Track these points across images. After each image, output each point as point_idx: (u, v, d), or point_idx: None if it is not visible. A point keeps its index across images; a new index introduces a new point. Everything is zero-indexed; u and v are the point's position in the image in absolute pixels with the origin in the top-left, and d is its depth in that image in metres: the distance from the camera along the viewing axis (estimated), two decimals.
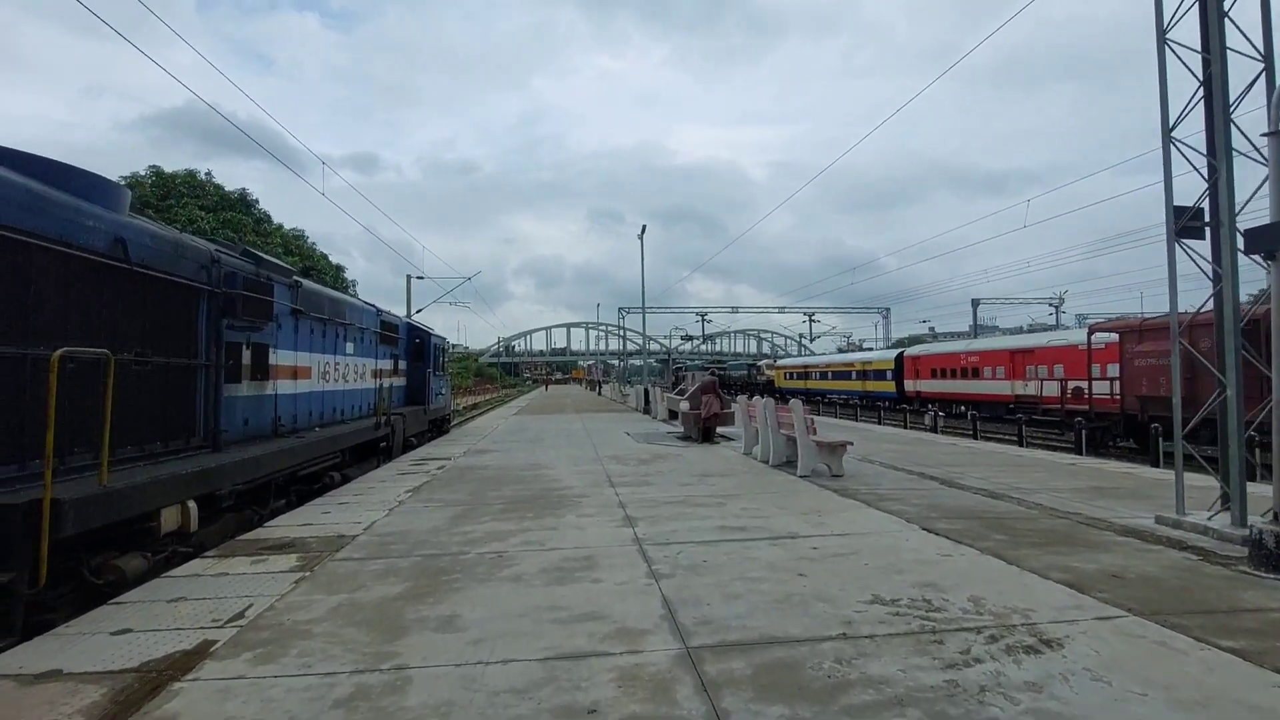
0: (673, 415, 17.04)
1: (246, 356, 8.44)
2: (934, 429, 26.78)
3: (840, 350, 72.35)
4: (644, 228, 24.84)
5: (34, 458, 4.58)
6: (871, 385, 45.28)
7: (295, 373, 9.99)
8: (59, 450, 4.95)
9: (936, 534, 6.15)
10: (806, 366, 58.41)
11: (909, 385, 40.93)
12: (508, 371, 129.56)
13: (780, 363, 67.73)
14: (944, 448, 14.36)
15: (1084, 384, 23.53)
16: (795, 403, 9.69)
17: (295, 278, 10.12)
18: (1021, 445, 19.06)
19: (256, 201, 27.37)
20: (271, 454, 7.94)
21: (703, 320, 67.91)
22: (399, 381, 16.27)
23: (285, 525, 7.09)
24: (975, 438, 22.48)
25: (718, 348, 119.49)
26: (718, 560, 5.39)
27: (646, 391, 25.87)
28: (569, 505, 7.81)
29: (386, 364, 15.07)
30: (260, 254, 9.21)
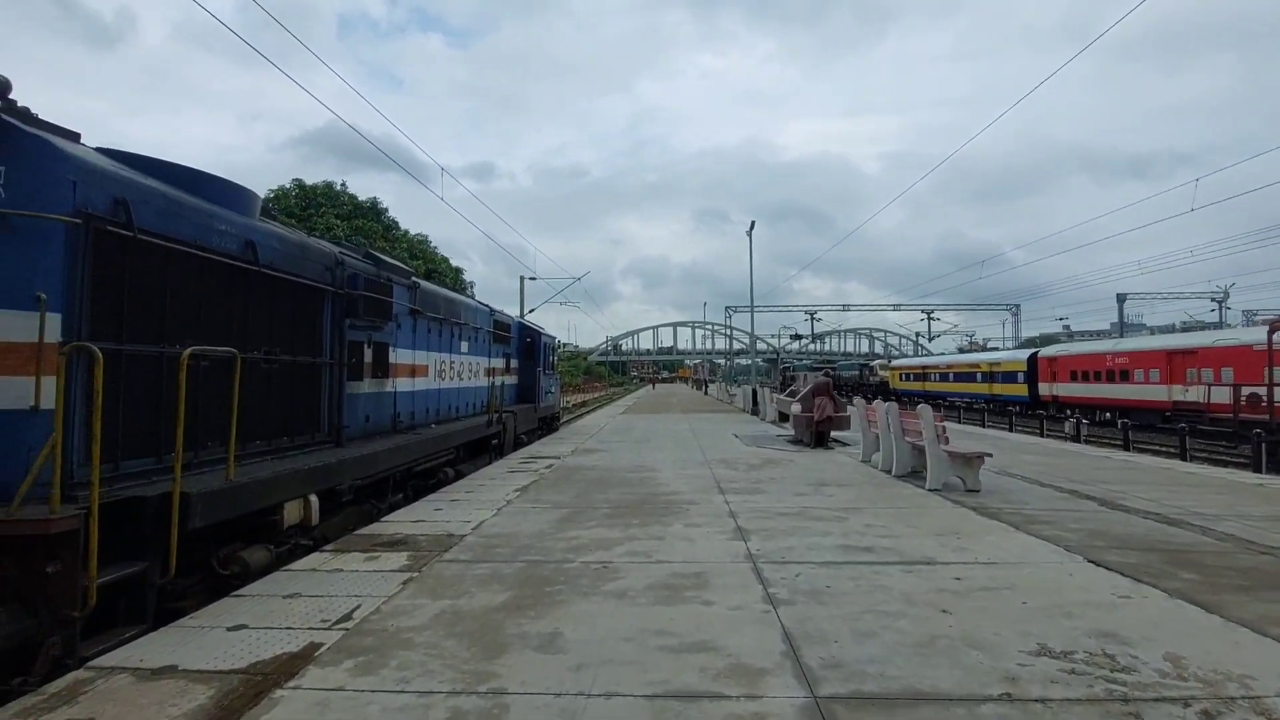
0: (783, 418, 16.31)
1: (368, 355, 8.73)
2: (1077, 438, 24.19)
3: (961, 350, 67.57)
4: (753, 224, 24.15)
5: (169, 452, 4.78)
6: (1000, 388, 41.80)
7: (413, 371, 10.28)
8: (192, 445, 5.19)
9: (1107, 568, 5.24)
10: (925, 367, 54.93)
11: (1044, 389, 37.43)
12: (615, 370, 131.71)
13: (895, 363, 64.21)
14: (1094, 460, 12.74)
15: (1262, 390, 20.34)
16: (925, 408, 8.80)
17: (414, 279, 10.41)
18: (1184, 459, 16.76)
19: (386, 210, 29.22)
20: (389, 450, 8.15)
21: (812, 319, 65.61)
22: (510, 380, 16.61)
23: (399, 521, 7.20)
24: (1127, 449, 20.09)
25: (827, 347, 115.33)
26: (843, 586, 4.83)
27: (755, 392, 25.10)
28: (677, 512, 7.45)
29: (499, 362, 15.39)
30: (381, 256, 9.52)
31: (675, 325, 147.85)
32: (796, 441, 15.35)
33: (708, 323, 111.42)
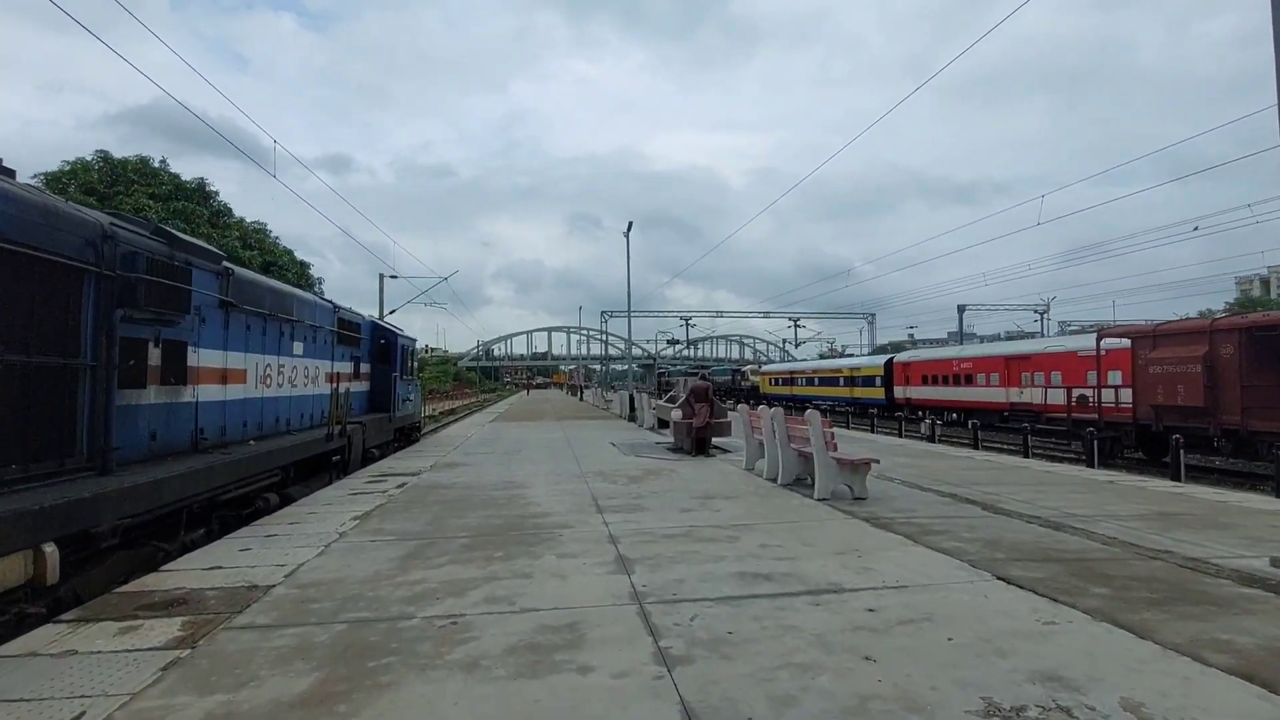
0: (662, 424, 15.69)
1: (154, 356, 6.92)
2: (931, 438, 25.74)
3: (821, 356, 71.74)
4: (630, 224, 23.52)
5: None
6: (860, 392, 44.32)
7: (225, 376, 8.46)
8: None
9: (1019, 586, 4.83)
10: (792, 372, 57.39)
11: (899, 392, 40.03)
12: (487, 376, 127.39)
13: (765, 368, 66.73)
14: (959, 461, 13.15)
15: (1090, 392, 22.60)
16: (813, 414, 8.36)
17: (226, 265, 8.59)
18: (1026, 455, 18.05)
19: (216, 193, 25.35)
20: (180, 476, 6.42)
21: (686, 324, 66.72)
22: (360, 386, 14.71)
23: (186, 569, 5.58)
24: (976, 447, 21.44)
25: (700, 353, 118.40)
26: (747, 630, 4.01)
27: (631, 398, 24.47)
28: (548, 540, 6.38)
29: (345, 367, 13.51)
30: (178, 234, 7.68)
31: (550, 330, 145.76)
32: (677, 449, 14.75)
33: (583, 328, 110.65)
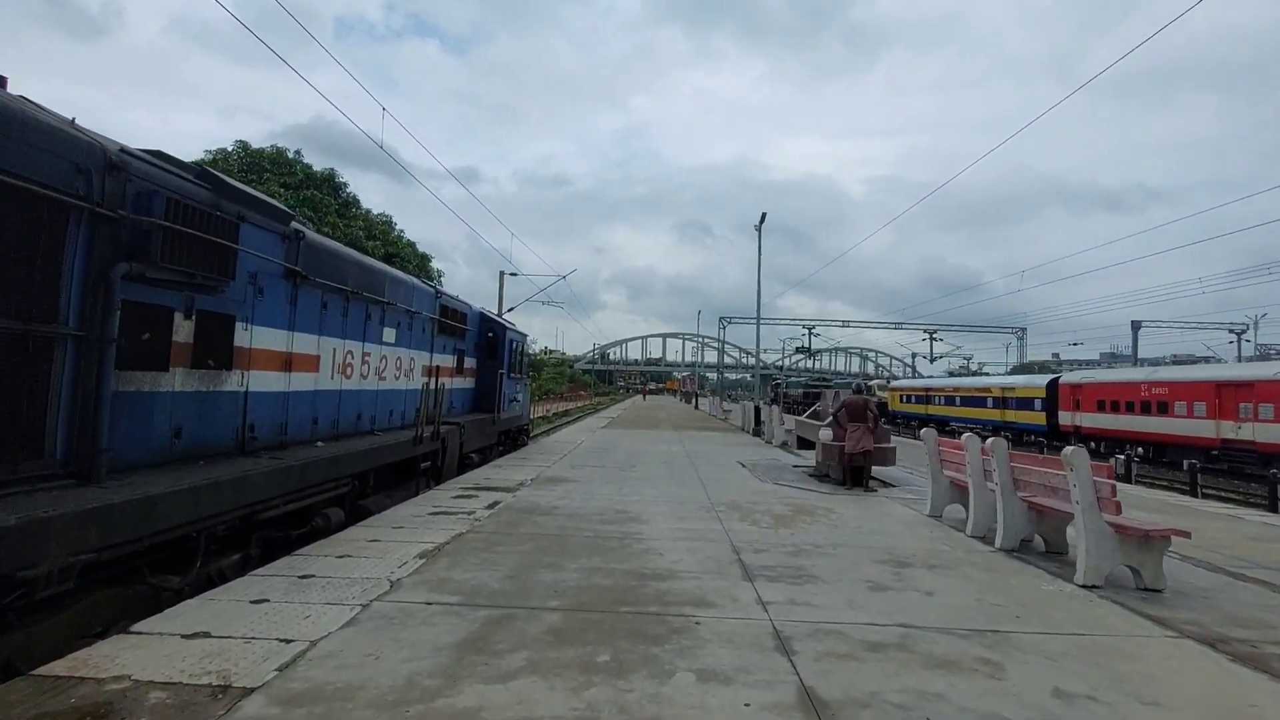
0: (803, 444, 13.09)
1: (184, 330, 5.39)
2: (1128, 477, 21.15)
3: (950, 374, 64.85)
4: (763, 216, 20.96)
5: None
6: (1014, 415, 38.85)
7: (289, 362, 6.94)
8: None
9: None
10: (929, 390, 51.98)
11: (1065, 418, 34.49)
12: (602, 379, 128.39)
13: (895, 384, 61.31)
14: (1228, 521, 9.59)
15: None
16: (1078, 453, 5.55)
17: (295, 225, 7.09)
18: (1275, 510, 13.79)
19: (345, 184, 25.66)
20: (185, 491, 4.77)
21: (809, 333, 62.57)
22: (463, 383, 13.25)
23: (155, 634, 3.84)
24: (1195, 494, 17.07)
25: (820, 365, 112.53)
26: None
27: (757, 410, 21.86)
28: (679, 632, 4.13)
29: (446, 360, 12.04)
30: (228, 179, 6.19)
31: (665, 336, 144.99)
32: (821, 476, 12.10)
33: (699, 335, 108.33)
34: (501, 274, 32.66)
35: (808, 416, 13.54)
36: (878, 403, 55.48)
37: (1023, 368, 73.69)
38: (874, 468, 10.75)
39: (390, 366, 9.56)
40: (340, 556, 5.64)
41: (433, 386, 10.14)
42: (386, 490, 9.03)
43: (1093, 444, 32.28)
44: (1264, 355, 51.79)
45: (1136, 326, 52.27)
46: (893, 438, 12.60)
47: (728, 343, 76.01)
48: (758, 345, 22.92)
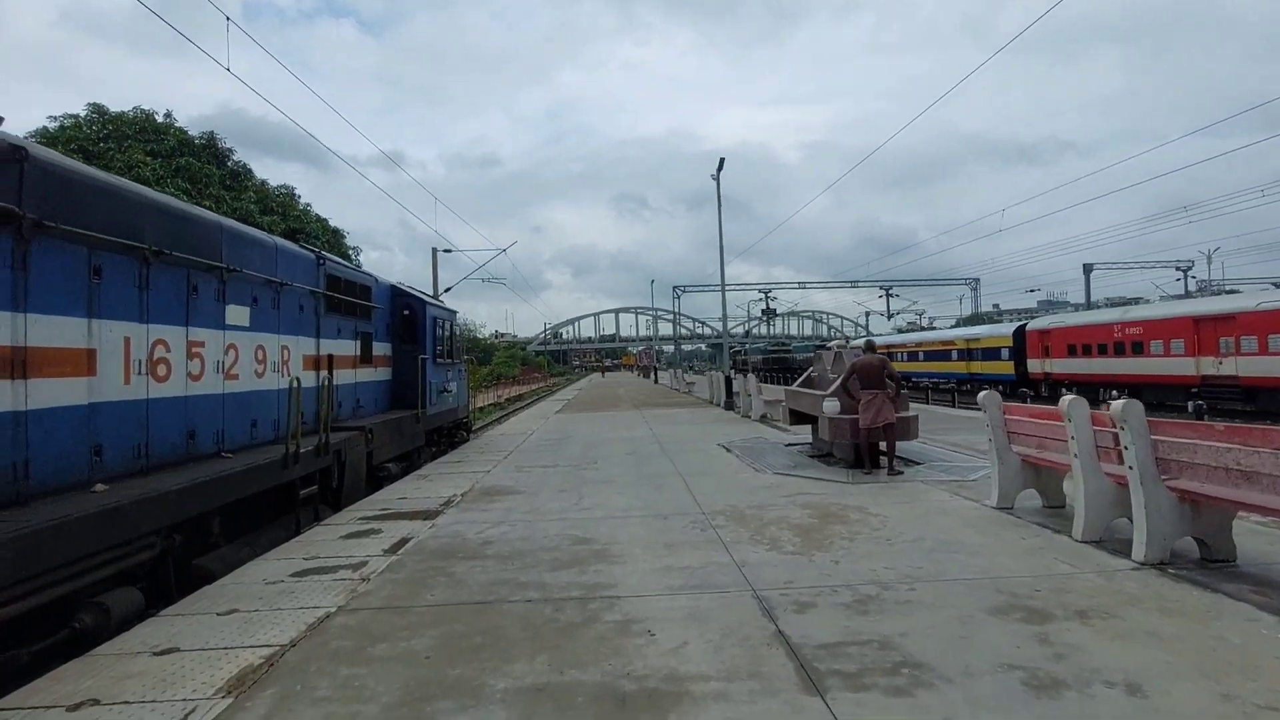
0: (796, 418, 10.87)
1: None
2: None
3: (899, 330, 64.36)
4: (721, 162, 18.53)
5: None
6: (980, 366, 37.89)
7: (16, 363, 4.23)
8: None
9: None
10: (891, 346, 50.97)
11: (1035, 365, 33.57)
12: (556, 360, 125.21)
13: (856, 343, 60.40)
14: None
15: None
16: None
17: (28, 151, 4.33)
18: None
19: (231, 151, 21.89)
20: None
21: (766, 298, 60.91)
22: (374, 374, 10.54)
23: None
24: None
25: (776, 329, 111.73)
26: None
27: (728, 380, 19.65)
28: None
29: (344, 346, 9.33)
30: None
31: (617, 311, 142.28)
32: (822, 456, 9.94)
33: (653, 308, 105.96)
34: (434, 250, 29.46)
35: (800, 385, 11.32)
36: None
37: (972, 319, 73.93)
38: (896, 441, 8.56)
39: (243, 359, 6.85)
40: (71, 709, 3.08)
41: (316, 382, 7.48)
42: (249, 535, 6.41)
43: (1063, 390, 31.46)
44: (1212, 291, 52.38)
45: (1088, 269, 52.19)
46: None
47: (683, 314, 73.97)
48: (724, 305, 20.67)
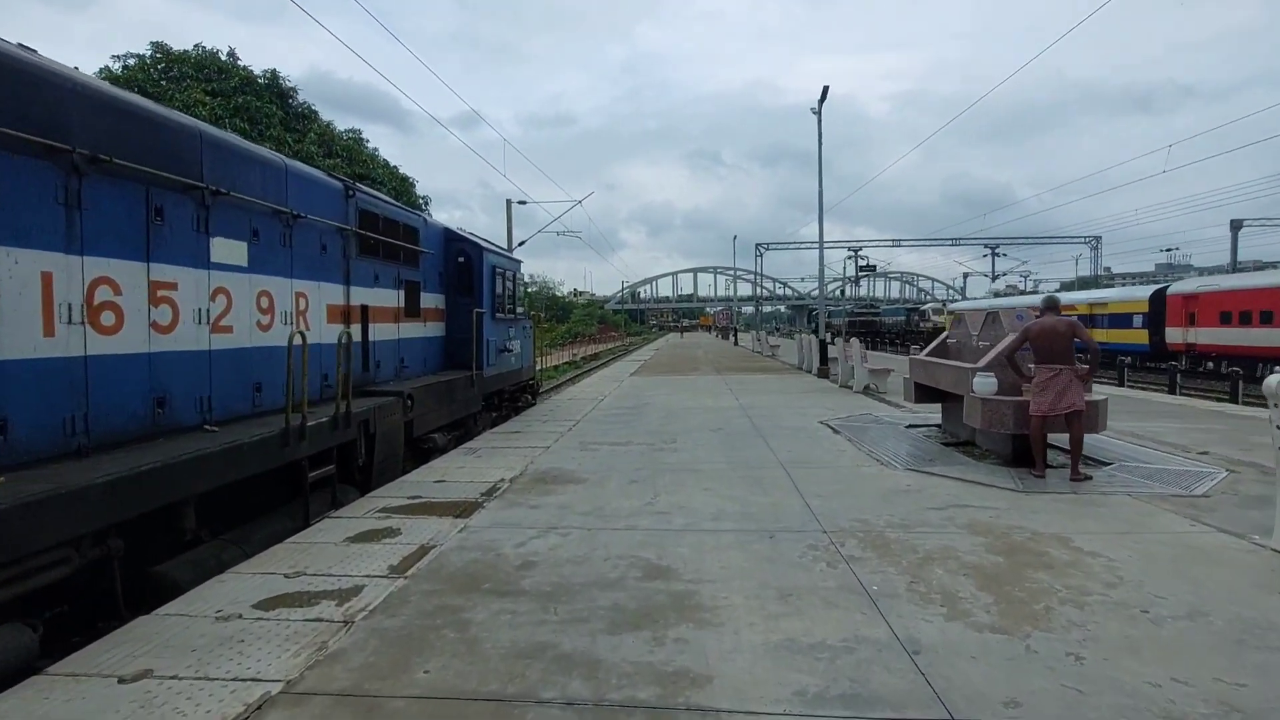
0: (928, 395, 8.73)
1: None
2: None
3: (997, 295, 58.57)
4: (825, 90, 15.95)
5: None
6: (1108, 335, 33.55)
7: None
8: None
9: None
10: (979, 311, 46.48)
11: (1174, 335, 29.25)
12: (634, 318, 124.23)
13: (955, 306, 55.70)
14: None
15: None
16: None
17: None
18: None
19: (295, 90, 21.05)
20: None
21: (855, 256, 56.84)
22: (421, 329, 9.16)
23: None
24: None
25: (863, 291, 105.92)
26: None
27: (823, 344, 17.41)
28: None
29: (381, 296, 7.93)
30: None
31: (695, 271, 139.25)
32: (960, 444, 7.85)
33: (732, 268, 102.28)
34: (509, 202, 28.16)
35: (929, 353, 9.14)
36: (932, 328, 50.11)
37: (1087, 283, 66.87)
38: (1081, 435, 6.34)
39: (238, 307, 5.46)
40: None
41: (343, 341, 6.06)
42: (244, 527, 5.10)
43: (1209, 363, 27.22)
44: None
45: (1237, 226, 45.46)
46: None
47: (765, 275, 70.65)
48: (821, 259, 18.24)
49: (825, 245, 18.50)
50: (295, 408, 5.34)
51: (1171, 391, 17.73)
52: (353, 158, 21.33)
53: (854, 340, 14.62)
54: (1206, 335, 27.57)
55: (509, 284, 11.46)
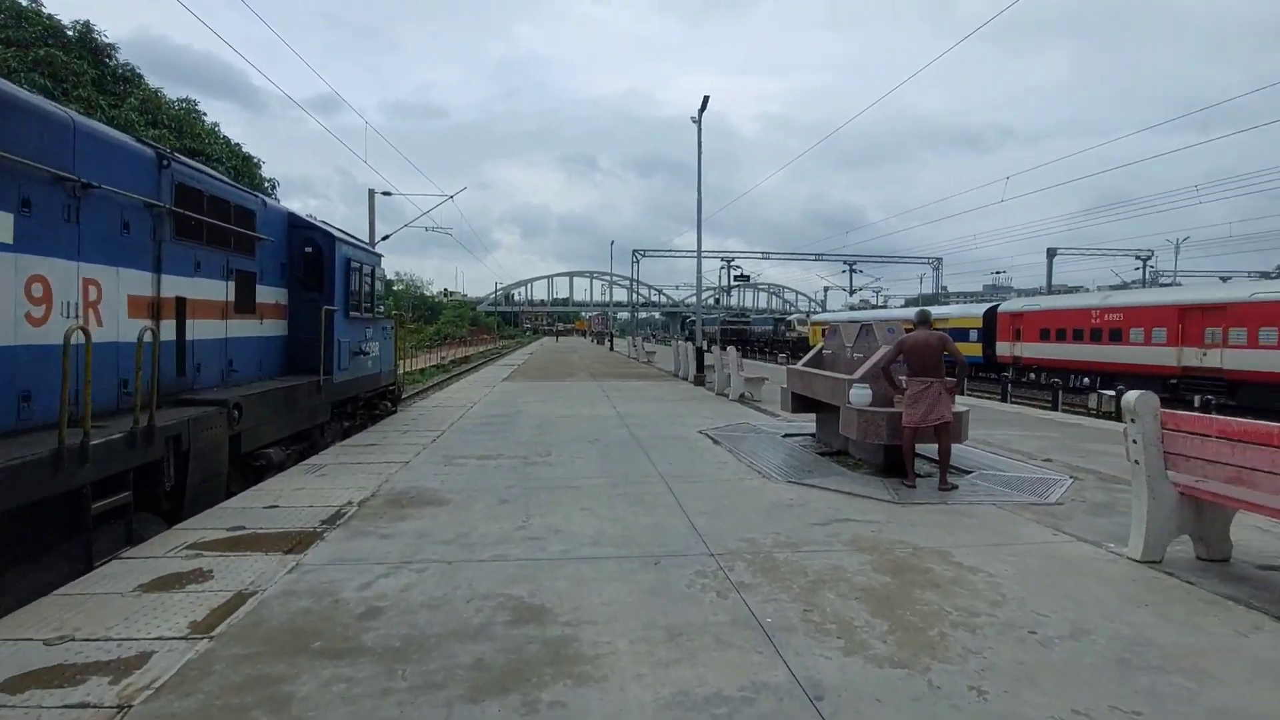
0: (805, 405, 8.78)
1: None
2: (1110, 413, 18.70)
3: (852, 309, 63.66)
4: (705, 100, 16.09)
5: None
6: None
7: None
8: None
9: None
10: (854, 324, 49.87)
11: (1004, 349, 32.72)
12: (507, 321, 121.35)
13: (817, 318, 59.24)
14: None
15: None
16: None
17: None
18: None
19: (114, 47, 17.94)
20: None
21: (729, 266, 58.92)
22: (259, 328, 7.98)
23: None
24: None
25: (733, 301, 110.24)
26: None
27: (700, 352, 17.52)
28: None
29: (204, 287, 6.76)
30: None
31: (571, 275, 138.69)
32: (834, 453, 7.94)
33: (608, 273, 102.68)
34: (371, 192, 26.21)
35: (805, 364, 9.25)
36: (797, 338, 52.71)
37: (929, 299, 73.76)
38: (947, 445, 6.53)
39: None
40: None
41: (136, 336, 4.97)
42: None
43: (1031, 374, 30.66)
44: (1152, 282, 52.79)
45: (1052, 254, 51.88)
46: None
47: (641, 281, 71.40)
48: (699, 267, 18.33)
49: (704, 255, 18.70)
50: (75, 421, 4.26)
51: (1004, 400, 19.60)
52: (183, 130, 18.59)
53: (731, 348, 14.77)
54: (1030, 350, 31.03)
55: (367, 279, 10.36)
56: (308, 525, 5.04)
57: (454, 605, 3.59)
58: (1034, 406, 18.04)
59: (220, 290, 7.03)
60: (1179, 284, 45.45)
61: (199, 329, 6.62)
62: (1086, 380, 27.44)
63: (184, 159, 6.60)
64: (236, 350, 7.39)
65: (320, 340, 8.61)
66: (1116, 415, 17.81)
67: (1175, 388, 23.13)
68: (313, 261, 8.89)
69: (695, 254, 19.88)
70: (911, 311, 46.49)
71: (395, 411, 12.36)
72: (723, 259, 56.66)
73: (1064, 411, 16.20)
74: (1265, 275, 51.18)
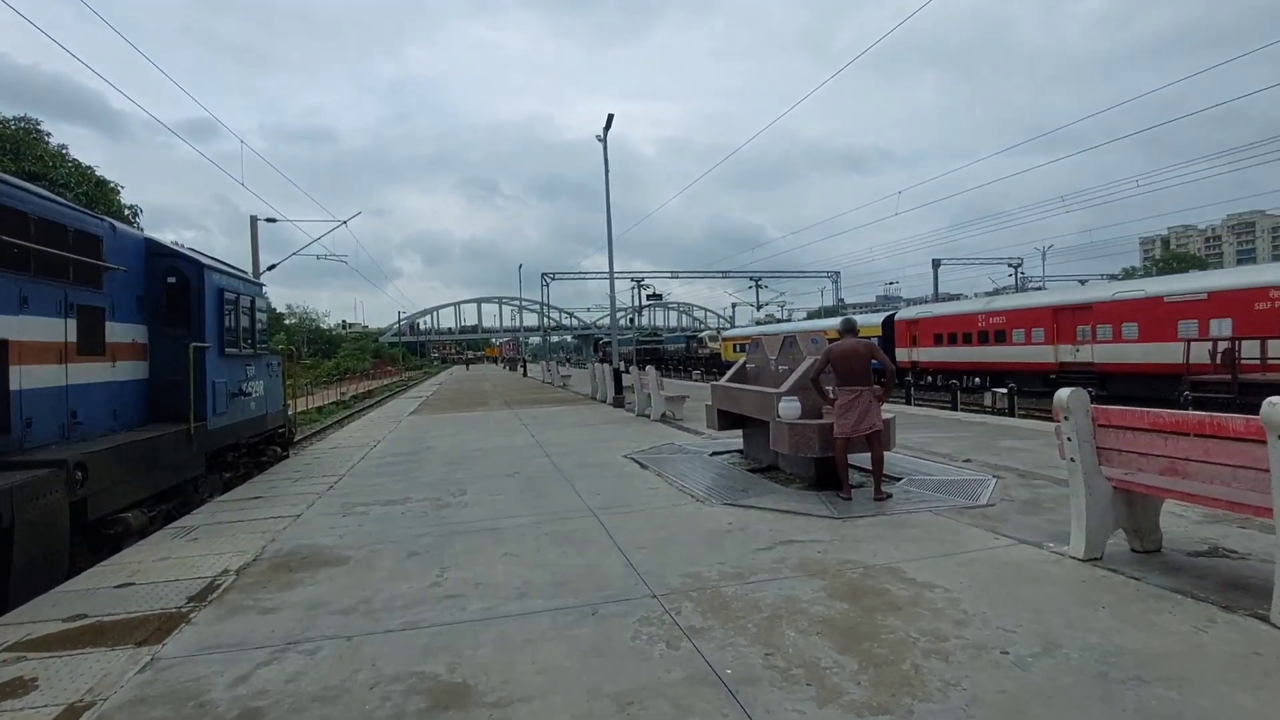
0: (731, 422, 8.53)
1: None
2: (1005, 409, 19.76)
3: (758, 323, 65.97)
4: (609, 119, 15.88)
5: None
6: None
7: None
8: None
9: None
10: (765, 336, 51.17)
11: (902, 354, 34.34)
12: (413, 351, 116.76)
13: (728, 333, 60.43)
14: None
15: (1233, 344, 16.89)
16: None
17: None
18: None
19: None
20: None
21: (639, 286, 59.25)
22: (107, 373, 6.89)
23: None
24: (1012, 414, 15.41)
25: (645, 320, 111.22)
26: None
27: (618, 374, 17.13)
28: None
29: (33, 326, 5.73)
30: None
31: (479, 301, 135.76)
32: (764, 469, 7.71)
33: (517, 298, 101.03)
34: (254, 219, 24.37)
35: (729, 379, 9.03)
36: (709, 354, 53.46)
37: (831, 311, 77.23)
38: (876, 454, 6.41)
39: None
40: None
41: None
42: None
43: (929, 377, 32.32)
44: (1022, 287, 57.61)
45: (937, 264, 55.48)
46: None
47: (551, 305, 70.66)
48: (612, 288, 18.00)
49: (615, 276, 18.40)
50: None
51: (908, 403, 20.37)
52: (21, 152, 16.30)
53: (650, 368, 14.47)
54: (926, 354, 32.70)
55: (246, 312, 9.30)
56: (170, 605, 4.20)
57: (354, 695, 2.95)
58: (934, 407, 18.80)
59: (57, 329, 5.97)
60: (1044, 288, 49.75)
61: (28, 376, 5.56)
62: (978, 380, 29.22)
63: (3, 176, 5.56)
64: (81, 399, 6.29)
65: (189, 382, 7.55)
66: (1010, 411, 18.87)
67: (1055, 382, 24.93)
68: (178, 293, 7.83)
69: (607, 275, 19.58)
70: (816, 324, 48.32)
71: (287, 457, 11.17)
72: (633, 279, 56.91)
73: (963, 411, 16.92)
74: (1113, 278, 57.10)
